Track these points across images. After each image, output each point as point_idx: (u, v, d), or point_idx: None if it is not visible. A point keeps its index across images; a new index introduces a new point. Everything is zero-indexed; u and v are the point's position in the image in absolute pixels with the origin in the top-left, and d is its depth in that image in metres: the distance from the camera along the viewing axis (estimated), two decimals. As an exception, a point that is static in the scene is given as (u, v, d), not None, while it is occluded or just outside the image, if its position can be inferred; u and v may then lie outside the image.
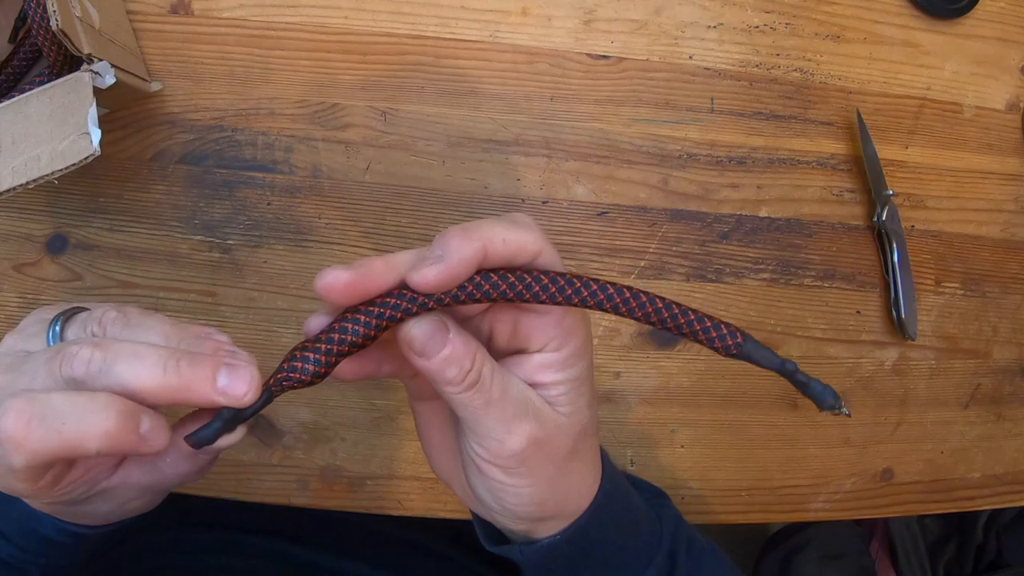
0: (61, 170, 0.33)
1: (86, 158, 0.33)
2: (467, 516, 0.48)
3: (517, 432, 0.26)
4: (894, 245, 0.50)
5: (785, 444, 0.51)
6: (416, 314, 0.24)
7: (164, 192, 0.44)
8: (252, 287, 0.45)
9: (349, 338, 0.24)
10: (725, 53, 0.49)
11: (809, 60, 0.50)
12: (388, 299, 0.24)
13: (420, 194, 0.46)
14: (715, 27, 0.49)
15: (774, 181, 0.50)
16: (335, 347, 0.24)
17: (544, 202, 0.48)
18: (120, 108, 0.44)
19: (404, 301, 0.24)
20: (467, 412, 0.26)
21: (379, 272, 0.24)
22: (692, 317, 0.26)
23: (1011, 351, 0.54)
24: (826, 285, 0.51)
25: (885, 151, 0.51)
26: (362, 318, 0.24)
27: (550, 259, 0.26)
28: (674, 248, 0.49)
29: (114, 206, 0.44)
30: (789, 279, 0.51)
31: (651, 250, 0.49)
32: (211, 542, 0.49)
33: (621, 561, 0.34)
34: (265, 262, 0.45)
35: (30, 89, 0.35)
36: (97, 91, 0.35)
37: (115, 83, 0.36)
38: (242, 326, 0.45)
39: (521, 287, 0.25)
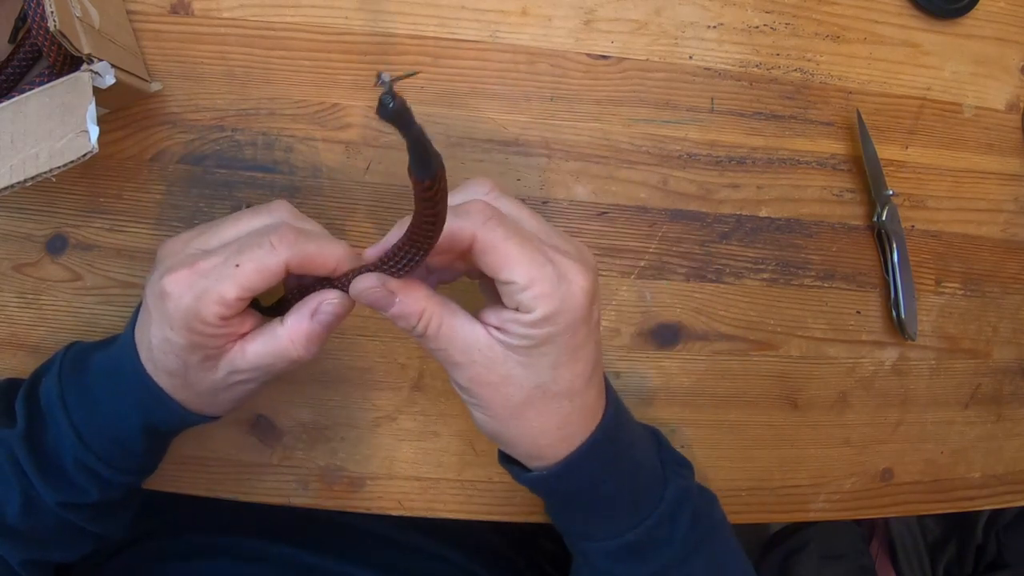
0: (59, 168, 0.33)
1: (84, 155, 0.33)
2: (468, 516, 0.48)
3: (460, 371, 0.32)
4: (894, 245, 0.50)
5: (785, 444, 0.51)
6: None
7: (164, 192, 0.44)
8: (252, 287, 0.45)
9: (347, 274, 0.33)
10: (725, 53, 0.49)
11: (809, 60, 0.50)
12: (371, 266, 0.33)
13: (420, 194, 0.46)
14: (715, 27, 0.49)
15: (774, 181, 0.50)
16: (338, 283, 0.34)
17: (544, 202, 0.48)
18: (120, 108, 0.44)
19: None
20: (423, 347, 0.34)
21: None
22: None
23: (1011, 351, 0.54)
24: (826, 285, 0.51)
25: (885, 151, 0.51)
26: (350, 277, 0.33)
27: (489, 238, 0.30)
28: (674, 248, 0.49)
29: (114, 206, 0.44)
30: (789, 279, 0.51)
31: (651, 250, 0.49)
32: (210, 546, 0.48)
33: (611, 514, 0.37)
34: (265, 262, 0.45)
35: (30, 89, 0.35)
36: (97, 91, 0.35)
37: (115, 83, 0.36)
38: (242, 326, 0.45)
39: None
